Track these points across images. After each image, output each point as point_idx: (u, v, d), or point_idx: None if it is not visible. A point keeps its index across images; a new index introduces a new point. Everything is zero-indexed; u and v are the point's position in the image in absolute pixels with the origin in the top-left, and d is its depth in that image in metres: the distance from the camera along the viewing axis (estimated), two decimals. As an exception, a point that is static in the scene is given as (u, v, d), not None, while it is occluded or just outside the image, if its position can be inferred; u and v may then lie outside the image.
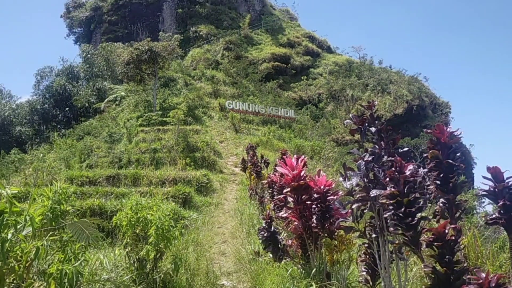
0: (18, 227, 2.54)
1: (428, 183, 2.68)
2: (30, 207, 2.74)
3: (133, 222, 4.98)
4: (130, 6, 49.56)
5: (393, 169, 2.49)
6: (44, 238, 2.93)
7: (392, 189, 2.43)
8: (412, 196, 2.40)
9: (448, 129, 2.70)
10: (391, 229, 2.45)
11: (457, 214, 2.68)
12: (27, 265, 2.64)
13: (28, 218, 2.50)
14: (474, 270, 1.96)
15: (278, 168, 5.08)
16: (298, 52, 41.59)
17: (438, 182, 2.65)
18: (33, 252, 2.58)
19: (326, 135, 28.73)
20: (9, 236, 2.54)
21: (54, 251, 3.01)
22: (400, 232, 2.40)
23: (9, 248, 2.50)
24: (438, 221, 2.77)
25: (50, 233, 2.96)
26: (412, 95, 36.03)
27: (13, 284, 2.71)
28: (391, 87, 36.82)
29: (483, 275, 1.87)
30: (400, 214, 2.38)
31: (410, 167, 2.51)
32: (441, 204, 2.68)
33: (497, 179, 2.31)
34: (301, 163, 4.58)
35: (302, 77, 38.27)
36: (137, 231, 5.03)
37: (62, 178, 13.06)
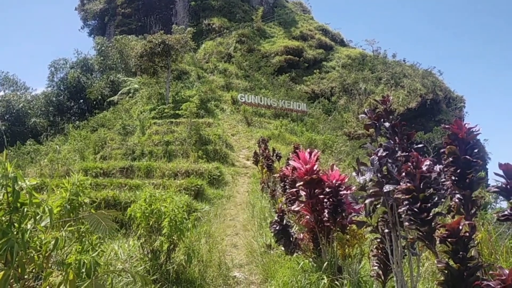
0: (37, 218, 2.61)
1: (444, 178, 2.66)
2: (49, 198, 2.81)
3: (147, 214, 5.05)
4: (144, -2, 49.80)
5: (409, 164, 2.48)
6: (62, 229, 3.00)
7: (408, 184, 2.43)
8: (428, 191, 2.39)
9: (466, 125, 2.67)
10: (406, 224, 2.45)
11: (473, 211, 2.67)
12: (46, 255, 2.71)
13: (47, 209, 2.57)
14: (497, 266, 1.95)
15: (291, 162, 5.10)
16: (311, 45, 41.24)
17: (454, 178, 2.63)
18: (52, 243, 2.65)
19: (338, 129, 28.60)
20: (28, 226, 2.61)
21: (72, 241, 3.08)
22: (414, 227, 2.40)
23: (28, 239, 2.57)
24: (453, 217, 2.76)
25: (68, 224, 3.03)
26: (426, 89, 35.56)
27: (32, 273, 2.79)
28: (404, 81, 36.38)
29: (506, 271, 1.85)
30: (415, 209, 2.38)
31: (427, 162, 2.50)
32: (457, 200, 2.67)
33: (509, 175, 2.27)
34: (314, 157, 4.59)
35: (315, 71, 37.98)
36: (151, 223, 5.10)
37: (76, 169, 13.24)
